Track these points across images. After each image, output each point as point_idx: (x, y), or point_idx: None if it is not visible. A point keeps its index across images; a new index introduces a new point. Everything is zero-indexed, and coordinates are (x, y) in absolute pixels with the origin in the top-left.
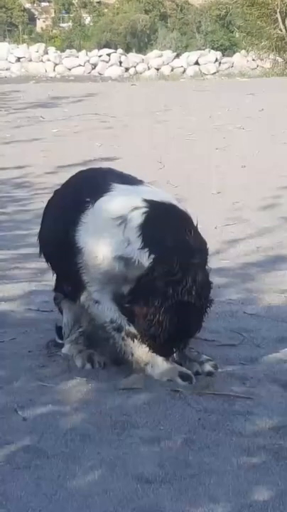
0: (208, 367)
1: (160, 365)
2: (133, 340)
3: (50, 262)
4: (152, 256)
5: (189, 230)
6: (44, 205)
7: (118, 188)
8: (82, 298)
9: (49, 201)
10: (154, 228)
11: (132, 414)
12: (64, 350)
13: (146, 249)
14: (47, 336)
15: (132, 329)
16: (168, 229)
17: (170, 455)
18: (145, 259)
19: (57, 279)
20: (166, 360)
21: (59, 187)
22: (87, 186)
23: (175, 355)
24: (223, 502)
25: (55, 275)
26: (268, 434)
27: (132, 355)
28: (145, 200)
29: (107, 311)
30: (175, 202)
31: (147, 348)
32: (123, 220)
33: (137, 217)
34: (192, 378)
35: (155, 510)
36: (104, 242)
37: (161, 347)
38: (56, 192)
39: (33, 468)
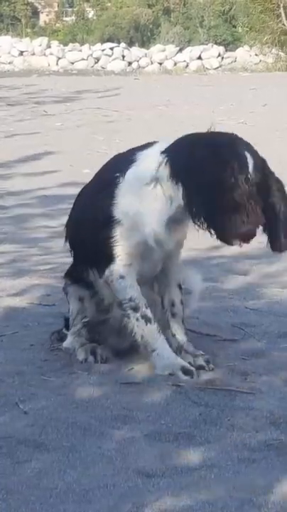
0: (201, 361)
1: (165, 356)
2: (147, 324)
3: (76, 243)
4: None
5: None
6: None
7: (140, 156)
8: (107, 272)
9: (84, 186)
10: (180, 160)
11: (133, 408)
12: (65, 343)
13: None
14: (49, 330)
15: (148, 312)
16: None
17: (171, 449)
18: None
19: (74, 263)
20: (173, 352)
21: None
22: (115, 165)
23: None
24: (224, 497)
25: (72, 257)
26: (269, 429)
27: (142, 337)
28: (162, 152)
29: (129, 288)
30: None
31: (158, 335)
32: (155, 181)
33: (164, 170)
34: (193, 373)
35: (156, 504)
36: (147, 208)
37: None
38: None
39: (34, 461)
